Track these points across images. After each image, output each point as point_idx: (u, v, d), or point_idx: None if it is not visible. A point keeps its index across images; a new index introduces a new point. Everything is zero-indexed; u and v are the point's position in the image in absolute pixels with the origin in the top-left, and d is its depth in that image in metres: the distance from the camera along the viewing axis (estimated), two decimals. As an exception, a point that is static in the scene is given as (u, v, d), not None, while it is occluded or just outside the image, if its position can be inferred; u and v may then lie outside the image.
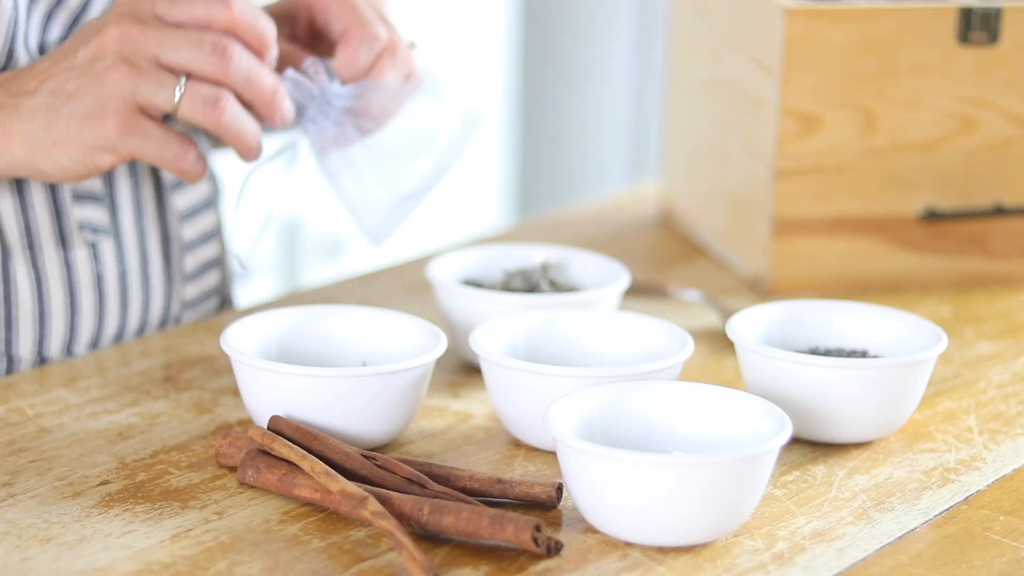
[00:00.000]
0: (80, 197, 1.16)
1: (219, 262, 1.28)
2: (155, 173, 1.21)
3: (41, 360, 1.17)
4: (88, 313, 1.17)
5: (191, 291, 1.25)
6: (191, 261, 1.24)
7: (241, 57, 1.02)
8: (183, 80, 1.01)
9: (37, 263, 1.15)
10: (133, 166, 1.20)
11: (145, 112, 1.02)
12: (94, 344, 1.19)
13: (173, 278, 1.24)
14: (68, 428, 1.03)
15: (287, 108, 1.05)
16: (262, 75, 1.04)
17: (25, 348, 1.15)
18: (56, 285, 1.15)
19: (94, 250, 1.17)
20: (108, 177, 1.18)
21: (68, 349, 1.18)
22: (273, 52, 1.05)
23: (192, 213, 1.23)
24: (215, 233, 1.26)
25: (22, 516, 0.91)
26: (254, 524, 0.91)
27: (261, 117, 1.06)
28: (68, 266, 1.16)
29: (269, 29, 1.04)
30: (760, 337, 1.07)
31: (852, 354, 1.07)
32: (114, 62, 1.01)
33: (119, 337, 1.20)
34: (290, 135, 1.13)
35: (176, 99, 1.01)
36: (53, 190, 1.14)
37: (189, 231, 1.23)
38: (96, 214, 1.17)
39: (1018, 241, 1.35)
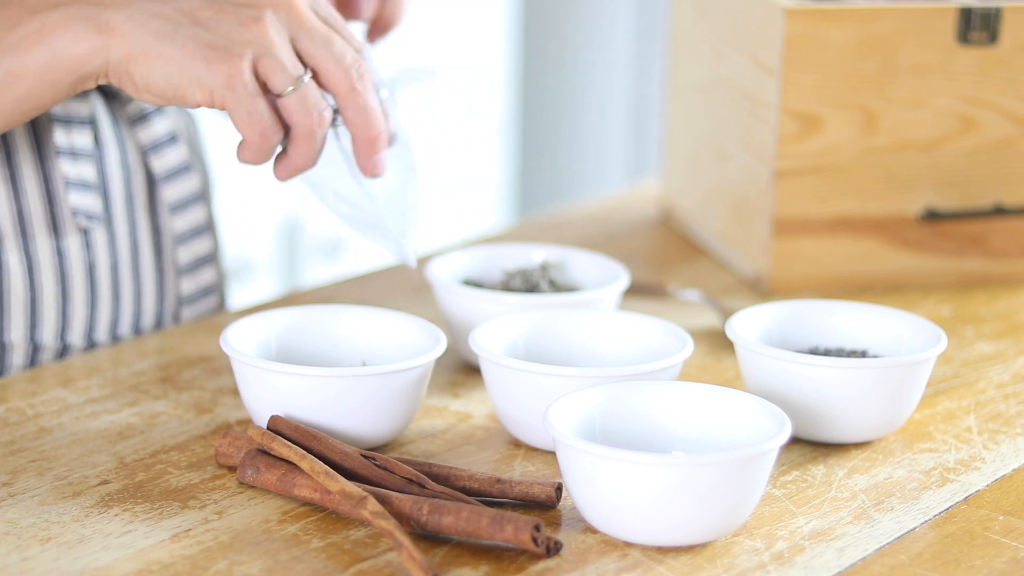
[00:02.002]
0: (73, 184, 1.16)
1: (213, 258, 1.28)
2: (146, 165, 1.22)
3: (34, 347, 1.17)
4: (80, 301, 1.18)
5: (187, 286, 1.25)
6: (184, 255, 1.24)
7: (369, 87, 1.01)
8: (308, 76, 0.99)
9: (29, 250, 1.15)
10: (124, 157, 1.20)
11: (257, 77, 0.99)
12: (88, 334, 1.19)
13: (165, 270, 1.24)
14: (68, 428, 1.03)
15: (380, 163, 1.04)
16: (377, 114, 1.02)
17: (17, 334, 1.16)
18: (48, 273, 1.16)
19: (86, 239, 1.17)
20: (100, 166, 1.18)
21: (61, 336, 1.18)
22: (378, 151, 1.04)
23: (182, 206, 1.23)
24: (207, 227, 1.26)
25: (22, 516, 0.91)
26: (254, 524, 0.91)
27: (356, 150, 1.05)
28: (60, 254, 1.16)
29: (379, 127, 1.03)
30: (760, 337, 1.07)
31: (852, 354, 1.07)
32: (261, 18, 0.98)
33: (114, 328, 1.21)
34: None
35: (290, 89, 0.99)
36: (46, 178, 1.15)
37: (180, 224, 1.23)
38: (89, 201, 1.17)
39: (1018, 241, 1.35)
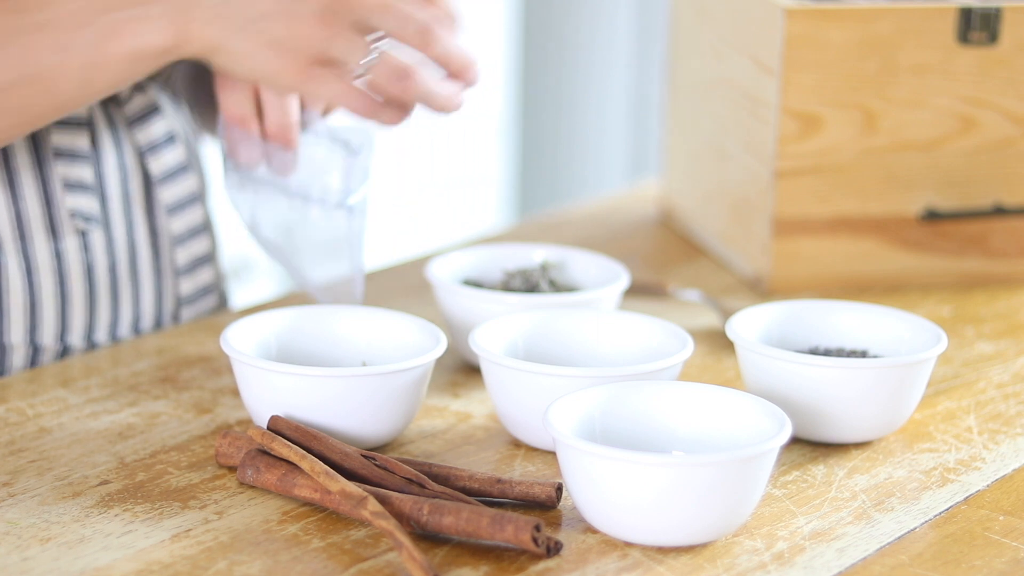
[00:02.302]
0: (71, 186, 1.16)
1: (211, 258, 1.28)
2: (143, 166, 1.22)
3: (34, 349, 1.17)
4: (79, 303, 1.18)
5: (186, 286, 1.25)
6: (183, 255, 1.24)
7: (440, 36, 1.02)
8: (376, 53, 0.99)
9: (28, 253, 1.15)
10: (121, 158, 1.20)
11: (327, 63, 1.00)
12: (88, 335, 1.19)
13: (163, 271, 1.24)
14: (68, 428, 1.03)
15: (476, 74, 1.05)
16: (457, 51, 1.03)
17: (17, 336, 1.16)
18: (47, 275, 1.16)
19: (84, 241, 1.17)
20: (97, 168, 1.18)
21: (61, 339, 1.18)
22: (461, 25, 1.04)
23: (179, 207, 1.23)
24: (205, 228, 1.26)
25: (22, 516, 0.91)
26: (254, 524, 0.91)
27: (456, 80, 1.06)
28: (58, 256, 1.16)
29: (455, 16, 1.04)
30: (760, 337, 1.06)
31: (852, 354, 1.07)
32: (316, 11, 0.99)
33: (113, 329, 1.21)
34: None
35: (361, 69, 0.99)
36: (44, 180, 1.15)
37: (177, 225, 1.23)
38: (87, 203, 1.17)
39: (1018, 241, 1.35)
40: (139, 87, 1.19)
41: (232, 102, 1.13)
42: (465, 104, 1.06)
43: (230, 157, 1.14)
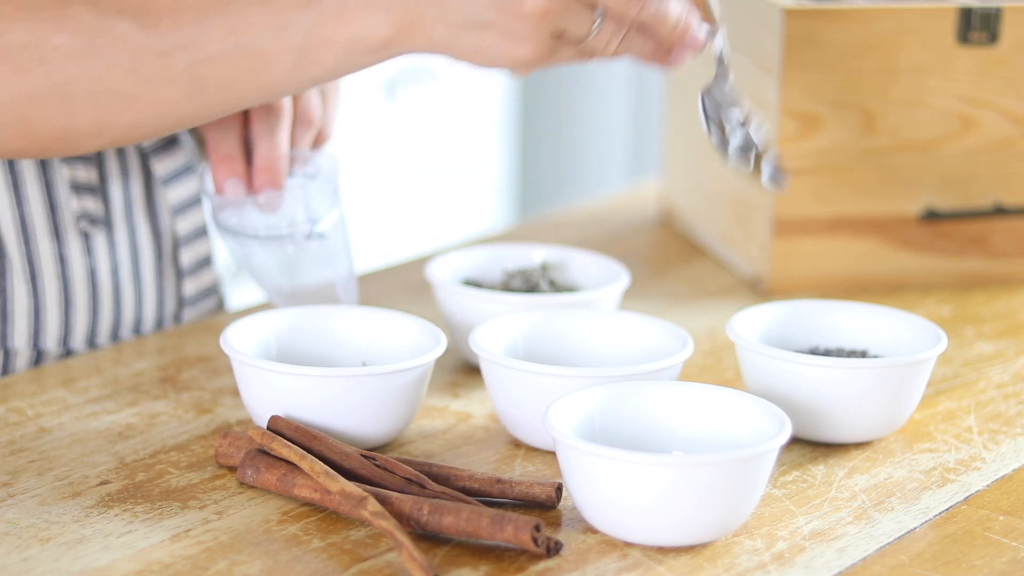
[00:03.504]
0: (76, 188, 1.16)
1: (210, 260, 1.28)
2: (146, 167, 1.21)
3: (37, 353, 1.17)
4: (82, 307, 1.18)
5: (190, 287, 1.25)
6: (187, 256, 1.24)
7: (659, 6, 0.97)
8: (599, 15, 0.95)
9: (32, 257, 1.15)
10: (123, 161, 1.20)
11: (560, 37, 0.96)
12: (90, 338, 1.19)
13: (164, 273, 1.24)
14: (68, 428, 1.03)
15: (693, 39, 1.00)
16: (671, 20, 0.97)
17: (21, 340, 1.16)
18: (51, 279, 1.16)
19: (87, 244, 1.17)
20: (100, 170, 1.18)
21: (64, 342, 1.18)
22: None
23: (185, 207, 1.23)
24: (208, 228, 1.26)
25: (22, 516, 0.91)
26: (254, 524, 0.91)
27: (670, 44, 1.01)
28: (62, 260, 1.16)
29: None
30: (760, 337, 1.06)
31: (852, 354, 1.07)
32: None
33: (115, 331, 1.21)
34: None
35: (591, 37, 0.96)
36: (47, 183, 1.14)
37: (183, 225, 1.23)
38: (92, 204, 1.17)
39: (1018, 241, 1.35)
40: None
41: (219, 140, 1.12)
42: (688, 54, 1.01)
43: (216, 195, 1.14)
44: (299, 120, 1.14)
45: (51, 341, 1.17)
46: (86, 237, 1.17)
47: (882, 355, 1.07)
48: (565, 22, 0.94)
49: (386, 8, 0.94)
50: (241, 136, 1.13)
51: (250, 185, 1.13)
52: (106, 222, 1.19)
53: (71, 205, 1.16)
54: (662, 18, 0.97)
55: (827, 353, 1.07)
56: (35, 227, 1.15)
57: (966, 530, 0.93)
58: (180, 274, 1.25)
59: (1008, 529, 0.93)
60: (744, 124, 1.04)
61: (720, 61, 1.04)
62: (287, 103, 1.12)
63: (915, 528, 0.93)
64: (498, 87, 2.86)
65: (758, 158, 1.03)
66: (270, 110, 1.12)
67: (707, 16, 1.00)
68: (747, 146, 1.04)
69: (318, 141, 1.17)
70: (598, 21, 0.94)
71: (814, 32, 1.28)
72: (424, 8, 0.94)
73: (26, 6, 0.94)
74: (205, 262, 1.26)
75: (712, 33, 1.02)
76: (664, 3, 0.97)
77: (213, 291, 1.28)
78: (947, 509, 0.96)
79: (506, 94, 2.90)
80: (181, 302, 1.25)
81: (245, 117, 1.13)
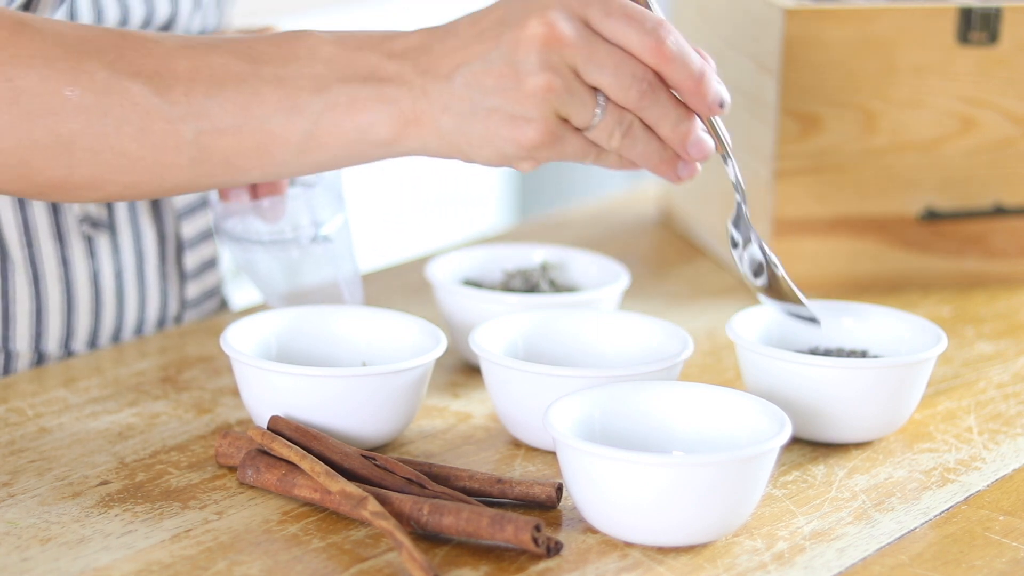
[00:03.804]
0: None
1: (217, 261, 1.28)
2: None
3: (39, 356, 1.17)
4: (84, 310, 1.18)
5: (193, 290, 1.25)
6: (192, 259, 1.24)
7: (659, 99, 0.94)
8: (602, 101, 0.93)
9: (35, 260, 1.15)
10: None
11: (565, 122, 0.94)
12: (92, 341, 1.19)
13: (168, 276, 1.24)
14: (68, 428, 1.03)
15: (698, 142, 0.96)
16: (672, 119, 0.95)
17: (23, 343, 1.16)
18: (53, 282, 1.16)
19: (90, 247, 1.17)
20: None
21: (66, 345, 1.18)
22: (707, 88, 0.94)
23: (191, 211, 1.23)
24: (213, 232, 1.26)
25: (22, 516, 0.91)
26: (254, 524, 0.91)
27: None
28: (65, 263, 1.16)
29: (699, 67, 0.93)
30: (760, 337, 1.06)
31: (852, 354, 1.07)
32: (537, 68, 0.92)
33: (117, 335, 1.21)
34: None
35: (595, 122, 0.93)
36: None
37: (188, 229, 1.23)
38: (95, 208, 1.17)
39: (1018, 241, 1.35)
40: None
41: None
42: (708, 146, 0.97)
43: (220, 203, 1.14)
44: None
45: (53, 344, 1.17)
46: (89, 240, 1.17)
47: (882, 355, 1.07)
48: (568, 103, 0.92)
49: (395, 100, 0.93)
50: None
51: (253, 193, 1.13)
52: (109, 225, 1.19)
53: (74, 208, 1.16)
54: (664, 114, 0.94)
55: (827, 353, 1.07)
56: (38, 229, 1.15)
57: (966, 530, 0.93)
58: (184, 277, 1.25)
59: (1008, 529, 0.93)
60: (764, 251, 1.04)
61: (736, 188, 1.03)
62: None
63: (915, 528, 0.93)
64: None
65: (784, 288, 1.04)
66: None
67: (719, 145, 0.99)
68: (767, 273, 1.04)
69: None
70: (601, 105, 0.93)
71: (814, 32, 1.28)
72: (431, 100, 0.93)
73: (43, 54, 0.93)
74: (210, 265, 1.26)
75: (725, 160, 1.01)
76: (665, 101, 0.94)
77: (215, 293, 1.28)
78: (947, 509, 0.96)
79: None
80: (184, 304, 1.25)
81: None
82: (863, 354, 1.07)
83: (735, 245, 1.04)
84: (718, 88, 0.94)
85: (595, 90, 0.93)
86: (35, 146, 0.94)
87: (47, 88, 0.93)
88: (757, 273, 1.04)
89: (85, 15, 1.11)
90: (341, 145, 0.94)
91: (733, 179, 1.02)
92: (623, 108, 0.93)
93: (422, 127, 0.94)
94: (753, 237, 1.03)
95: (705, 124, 0.96)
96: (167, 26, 1.17)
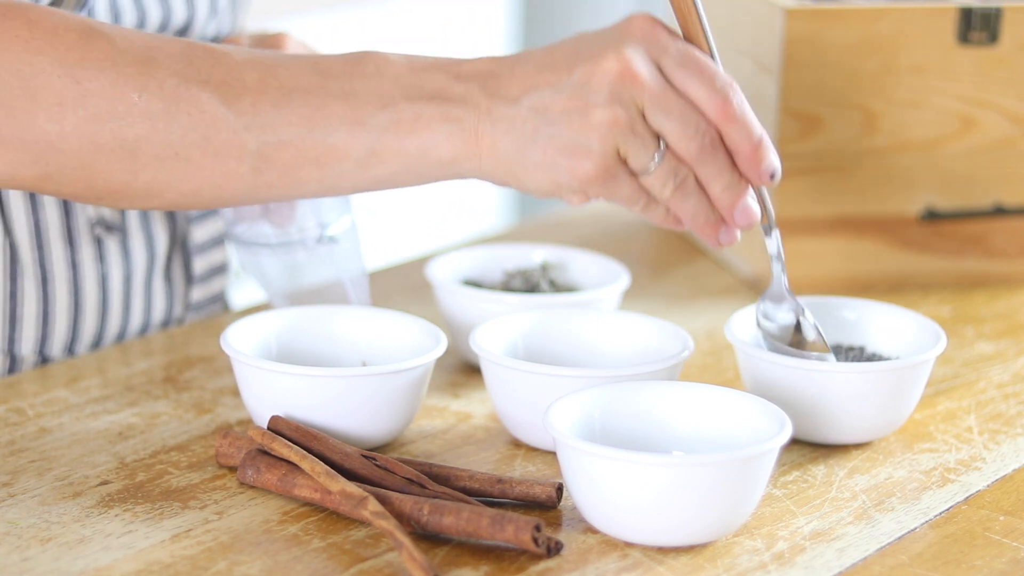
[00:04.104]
0: None
1: (226, 268, 1.28)
2: None
3: (43, 360, 1.17)
4: (91, 313, 1.18)
5: (198, 294, 1.25)
6: (200, 264, 1.24)
7: (716, 157, 0.94)
8: (663, 148, 0.93)
9: (44, 262, 1.15)
10: None
11: (622, 161, 0.94)
12: (96, 344, 1.19)
13: (174, 280, 1.24)
14: (68, 428, 1.03)
15: (745, 209, 0.97)
16: (726, 180, 0.95)
17: (27, 347, 1.16)
18: (61, 284, 1.15)
19: (100, 251, 1.17)
20: None
21: (70, 349, 1.18)
22: (763, 155, 0.95)
23: (202, 216, 1.23)
24: (224, 238, 1.26)
25: (22, 516, 0.91)
26: (254, 524, 0.91)
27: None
28: (74, 266, 1.16)
29: (759, 133, 0.94)
30: (760, 338, 1.06)
31: (850, 350, 1.07)
32: (606, 101, 0.92)
33: (121, 338, 1.21)
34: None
35: (652, 167, 0.94)
36: None
37: (199, 233, 1.23)
38: (110, 211, 1.17)
39: (1018, 241, 1.35)
40: None
41: None
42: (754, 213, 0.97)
43: (230, 208, 1.15)
44: None
45: (57, 347, 1.17)
46: (99, 243, 1.17)
47: (881, 352, 1.07)
48: (630, 142, 0.93)
49: (459, 119, 0.94)
50: None
51: None
52: (122, 229, 1.18)
53: (87, 211, 1.16)
54: (718, 173, 0.94)
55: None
56: (49, 231, 1.14)
57: (966, 530, 0.93)
58: (190, 280, 1.25)
59: (1008, 529, 0.93)
60: (799, 321, 1.04)
61: (776, 259, 1.04)
62: None
63: (915, 528, 0.93)
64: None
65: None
66: None
67: (764, 215, 0.99)
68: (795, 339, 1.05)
69: None
70: (660, 152, 0.93)
71: (814, 32, 1.28)
72: (495, 121, 0.93)
73: (112, 59, 0.94)
74: (218, 271, 1.26)
75: (767, 232, 1.01)
76: (722, 161, 0.94)
77: (219, 299, 1.28)
78: (947, 509, 0.96)
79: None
80: (187, 307, 1.25)
81: None
82: (861, 349, 1.07)
83: (765, 318, 1.05)
84: (773, 159, 0.95)
85: (657, 137, 0.93)
86: (100, 150, 0.94)
87: (115, 92, 0.93)
88: (786, 339, 1.05)
89: (103, 18, 1.11)
90: (401, 162, 0.95)
91: (774, 252, 1.03)
92: (680, 160, 0.94)
93: (482, 148, 0.94)
94: (795, 306, 1.04)
95: (755, 191, 0.97)
96: (183, 30, 1.17)
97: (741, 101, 0.93)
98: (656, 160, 0.93)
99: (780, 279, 1.04)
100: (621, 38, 0.93)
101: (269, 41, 1.15)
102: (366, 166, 0.95)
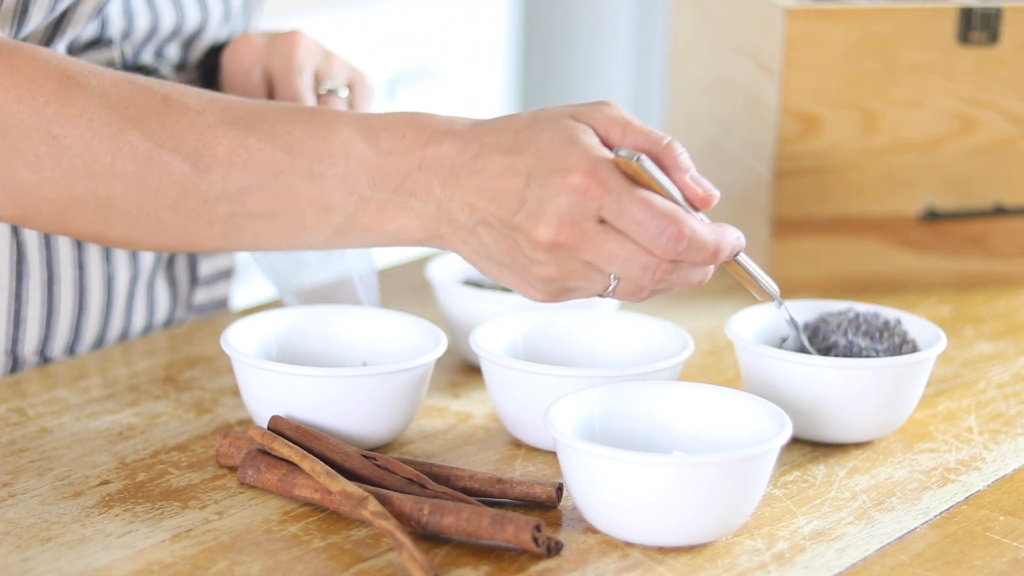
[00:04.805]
0: None
1: (231, 272, 1.28)
2: None
3: (44, 360, 1.17)
4: (95, 314, 1.17)
5: (202, 296, 1.25)
6: (207, 267, 1.24)
7: (674, 274, 0.93)
8: (614, 280, 0.93)
9: (51, 262, 1.15)
10: None
11: (572, 291, 0.94)
12: (98, 345, 1.19)
13: (178, 282, 1.23)
14: (68, 428, 1.03)
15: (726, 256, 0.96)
16: (693, 279, 0.94)
17: (30, 347, 1.15)
18: (67, 285, 1.15)
19: (107, 251, 1.17)
20: None
21: (71, 349, 1.18)
22: (723, 256, 0.94)
23: None
24: None
25: (22, 516, 0.91)
26: (254, 524, 0.91)
27: None
28: (80, 267, 1.16)
29: (713, 248, 0.93)
30: (760, 337, 1.06)
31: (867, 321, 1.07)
32: (545, 261, 0.92)
33: (123, 339, 1.20)
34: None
35: (608, 293, 0.93)
36: None
37: None
38: None
39: (1018, 241, 1.35)
40: None
41: (243, 95, 1.13)
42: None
43: None
44: None
45: (59, 348, 1.17)
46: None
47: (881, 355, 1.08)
48: (575, 287, 0.93)
49: (420, 215, 0.95)
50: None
51: None
52: None
53: None
54: (682, 279, 0.94)
55: (826, 347, 1.07)
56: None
57: (966, 530, 0.93)
58: (195, 282, 1.25)
59: (1008, 529, 0.93)
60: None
61: (792, 325, 1.05)
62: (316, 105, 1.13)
63: (915, 528, 0.93)
64: (498, 87, 2.86)
65: None
66: None
67: (765, 296, 0.99)
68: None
69: None
70: (613, 284, 0.93)
71: (814, 32, 1.28)
72: (453, 229, 0.94)
73: (88, 116, 0.95)
74: (224, 275, 1.26)
75: (778, 305, 1.02)
76: (682, 271, 0.93)
77: (222, 304, 1.28)
78: (947, 509, 0.96)
79: (507, 94, 2.90)
80: (190, 309, 1.25)
81: None
82: (885, 323, 1.06)
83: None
84: (734, 244, 0.94)
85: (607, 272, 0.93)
86: (75, 202, 0.97)
87: (90, 152, 0.96)
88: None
89: (116, 24, 1.11)
90: (372, 238, 0.97)
91: (788, 319, 1.05)
92: (638, 283, 0.93)
93: (445, 244, 0.95)
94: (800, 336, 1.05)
95: (743, 272, 0.98)
96: (197, 34, 1.17)
97: (690, 231, 0.91)
98: (612, 286, 0.93)
99: (800, 340, 1.05)
100: (560, 190, 0.90)
101: (282, 39, 1.15)
102: (335, 241, 0.97)
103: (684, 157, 0.94)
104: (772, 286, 0.99)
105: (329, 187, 0.95)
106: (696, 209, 0.95)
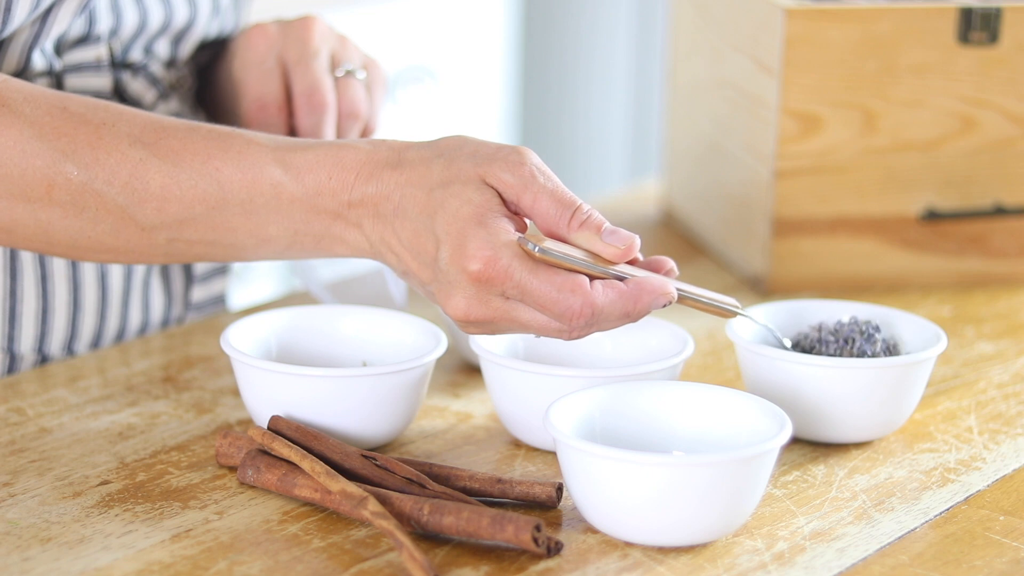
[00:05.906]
0: None
1: (227, 269, 1.28)
2: None
3: (42, 358, 1.17)
4: (90, 311, 1.17)
5: (198, 294, 1.25)
6: (201, 264, 1.24)
7: (600, 323, 0.93)
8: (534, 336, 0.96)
9: (44, 260, 1.15)
10: None
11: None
12: (95, 343, 1.19)
13: (173, 279, 1.23)
14: (68, 428, 1.03)
15: (668, 296, 0.95)
16: (634, 318, 0.93)
17: (26, 344, 1.15)
18: (61, 282, 1.15)
19: None
20: None
21: (69, 348, 1.18)
22: (645, 313, 0.94)
23: None
24: None
25: (22, 516, 0.91)
26: (254, 524, 0.91)
27: None
28: (73, 264, 1.16)
29: (620, 314, 0.92)
30: (760, 337, 1.06)
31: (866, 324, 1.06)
32: (467, 295, 0.92)
33: (120, 337, 1.20)
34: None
35: (538, 336, 0.96)
36: None
37: None
38: None
39: (1018, 241, 1.35)
40: (164, 96, 1.18)
41: (259, 84, 1.14)
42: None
43: None
44: (345, 114, 1.15)
45: (56, 345, 1.17)
46: None
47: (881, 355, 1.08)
48: (496, 328, 0.94)
49: (356, 248, 0.97)
50: (287, 132, 1.14)
51: None
52: None
53: None
54: (616, 323, 0.94)
55: (824, 345, 1.07)
56: None
57: (966, 530, 0.93)
58: (190, 280, 1.25)
59: (1008, 529, 0.93)
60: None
61: (768, 330, 1.06)
62: (332, 98, 1.13)
63: (915, 528, 0.93)
64: (498, 87, 2.86)
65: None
66: (315, 105, 1.13)
67: (728, 315, 0.99)
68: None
69: (364, 134, 1.18)
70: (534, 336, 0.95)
71: (814, 32, 1.28)
72: (385, 257, 0.96)
73: (22, 146, 0.98)
74: (219, 271, 1.26)
75: (744, 315, 1.02)
76: (612, 320, 0.93)
77: (220, 300, 1.28)
78: (947, 509, 0.96)
79: (506, 94, 2.90)
80: (187, 307, 1.25)
81: (291, 112, 1.14)
82: (876, 328, 1.06)
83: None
84: (656, 296, 0.93)
85: (526, 324, 0.93)
86: (16, 223, 1.00)
87: (25, 180, 0.98)
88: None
89: (104, 20, 1.11)
90: (311, 253, 0.99)
91: (761, 324, 1.05)
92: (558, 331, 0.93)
93: (386, 263, 0.97)
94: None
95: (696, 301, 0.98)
96: (186, 29, 1.17)
97: (588, 307, 0.91)
98: (536, 334, 0.95)
99: (779, 342, 1.05)
100: (462, 276, 0.92)
101: (296, 25, 1.16)
102: (279, 258, 1.00)
103: (594, 217, 0.96)
104: (729, 302, 0.99)
105: (264, 221, 0.97)
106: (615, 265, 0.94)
